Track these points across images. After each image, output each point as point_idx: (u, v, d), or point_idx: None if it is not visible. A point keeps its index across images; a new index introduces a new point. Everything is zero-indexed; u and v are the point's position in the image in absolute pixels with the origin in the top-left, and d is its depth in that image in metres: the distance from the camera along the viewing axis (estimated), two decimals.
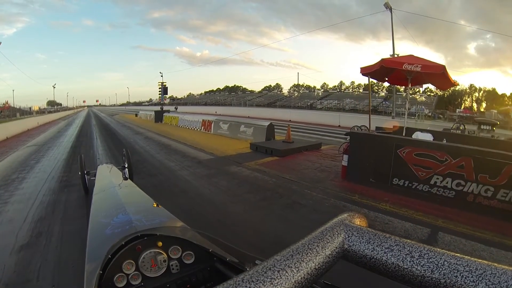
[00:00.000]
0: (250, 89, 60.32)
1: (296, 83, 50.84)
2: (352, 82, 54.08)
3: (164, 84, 26.31)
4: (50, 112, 43.52)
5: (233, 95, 53.63)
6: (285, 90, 53.37)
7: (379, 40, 63.09)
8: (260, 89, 58.24)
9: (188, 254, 1.08)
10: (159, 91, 26.65)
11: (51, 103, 73.14)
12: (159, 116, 19.45)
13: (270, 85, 61.43)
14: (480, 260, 0.35)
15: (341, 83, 54.85)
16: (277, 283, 0.35)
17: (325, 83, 54.58)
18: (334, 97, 35.90)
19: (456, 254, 0.37)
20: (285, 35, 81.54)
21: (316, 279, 0.40)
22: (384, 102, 29.13)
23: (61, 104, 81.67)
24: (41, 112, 43.61)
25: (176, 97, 73.04)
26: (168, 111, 20.39)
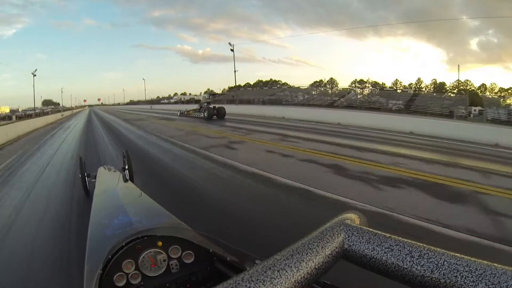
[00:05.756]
0: (291, 84, 43.38)
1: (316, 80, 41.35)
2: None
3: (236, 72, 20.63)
4: (21, 117, 27.83)
5: (276, 89, 38.21)
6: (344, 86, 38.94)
7: (380, 37, 62.48)
8: (308, 85, 41.28)
9: (188, 254, 1.08)
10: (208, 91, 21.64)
11: (47, 103, 66.57)
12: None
13: (322, 80, 46.84)
14: (480, 260, 0.35)
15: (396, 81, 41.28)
16: (277, 282, 0.35)
17: (397, 79, 40.98)
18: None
19: (456, 254, 0.37)
20: (286, 32, 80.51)
21: (316, 279, 0.40)
22: None
23: (59, 104, 70.17)
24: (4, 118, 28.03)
25: (213, 91, 54.20)
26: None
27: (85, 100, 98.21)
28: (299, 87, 38.03)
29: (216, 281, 1.04)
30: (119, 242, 1.02)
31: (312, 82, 46.09)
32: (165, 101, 59.33)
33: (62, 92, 70.26)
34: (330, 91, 33.89)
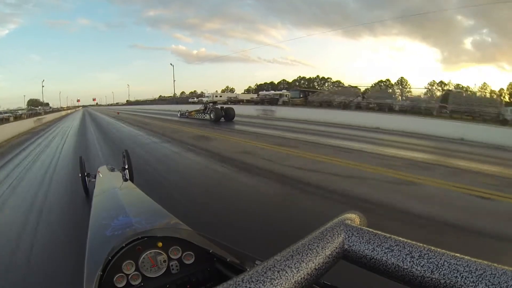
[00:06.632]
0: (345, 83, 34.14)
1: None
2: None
3: None
4: None
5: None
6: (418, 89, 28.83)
7: (375, 36, 61.97)
8: (372, 84, 32.68)
9: (188, 255, 1.08)
10: None
11: (33, 103, 56.20)
12: None
13: (388, 79, 37.71)
14: (480, 260, 0.35)
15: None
16: (277, 283, 0.35)
17: (485, 83, 33.78)
18: None
19: (456, 254, 0.37)
20: (282, 32, 79.18)
21: (316, 280, 0.40)
22: None
23: (47, 104, 61.77)
24: None
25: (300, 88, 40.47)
26: None
27: (78, 100, 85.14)
28: (356, 86, 27.52)
29: (216, 282, 1.04)
30: (119, 243, 1.01)
31: (376, 81, 37.07)
32: (195, 99, 39.81)
33: (43, 86, 58.61)
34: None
